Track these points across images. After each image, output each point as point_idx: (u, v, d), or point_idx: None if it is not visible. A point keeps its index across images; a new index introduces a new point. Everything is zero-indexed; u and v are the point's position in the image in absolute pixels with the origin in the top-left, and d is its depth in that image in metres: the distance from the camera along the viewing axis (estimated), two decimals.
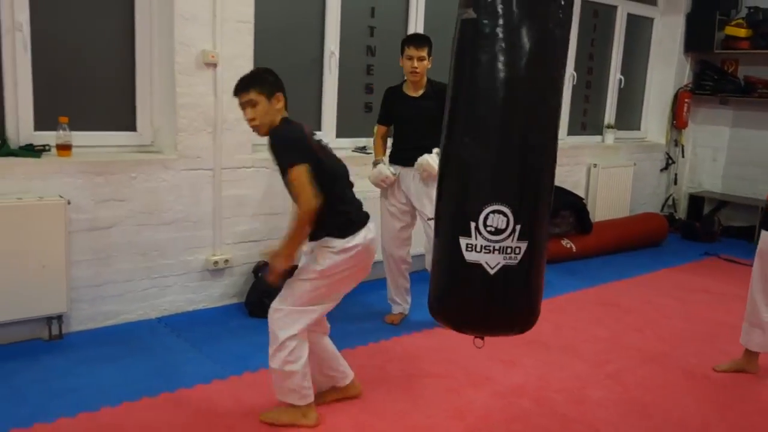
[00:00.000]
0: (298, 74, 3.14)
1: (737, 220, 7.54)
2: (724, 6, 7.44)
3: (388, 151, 4.37)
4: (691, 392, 3.63)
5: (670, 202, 8.05)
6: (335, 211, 2.98)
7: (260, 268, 4.53)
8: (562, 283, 5.31)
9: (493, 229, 2.26)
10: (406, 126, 4.27)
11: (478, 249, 2.29)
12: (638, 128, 7.98)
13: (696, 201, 7.98)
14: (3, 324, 3.63)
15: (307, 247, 3.10)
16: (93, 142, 4.06)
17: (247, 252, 4.56)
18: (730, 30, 7.35)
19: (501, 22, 2.24)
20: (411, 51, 4.07)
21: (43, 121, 3.87)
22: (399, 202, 4.28)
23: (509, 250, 2.26)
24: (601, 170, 6.95)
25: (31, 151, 3.75)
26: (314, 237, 3.02)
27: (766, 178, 7.08)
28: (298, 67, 4.80)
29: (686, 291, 5.46)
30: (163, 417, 3.06)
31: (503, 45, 2.24)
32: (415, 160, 4.16)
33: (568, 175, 6.68)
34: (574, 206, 6.34)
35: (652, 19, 7.67)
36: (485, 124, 2.32)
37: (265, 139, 3.02)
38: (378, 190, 4.33)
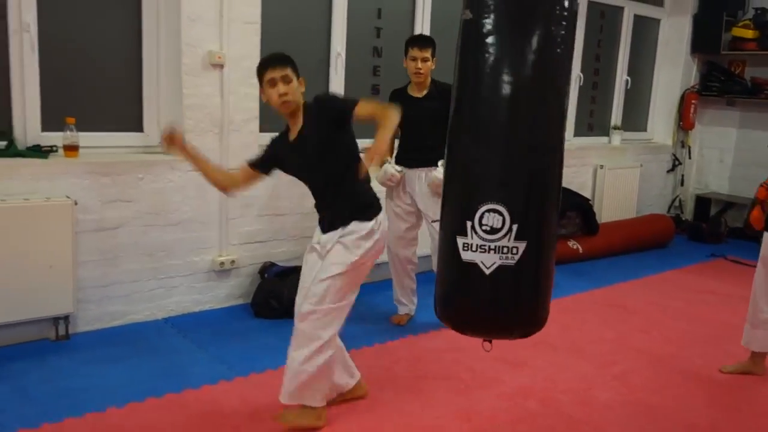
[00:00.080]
0: (305, 75, 3.14)
1: (743, 221, 7.51)
2: (731, 7, 7.43)
3: (394, 153, 4.37)
4: (698, 394, 3.62)
5: (676, 203, 8.03)
6: (360, 191, 3.03)
7: (266, 269, 4.53)
8: (569, 285, 5.30)
9: (488, 228, 2.24)
10: (410, 127, 4.26)
11: (474, 248, 2.28)
12: (645, 129, 7.96)
13: (703, 202, 7.96)
14: (10, 324, 3.64)
15: (326, 238, 3.04)
16: (100, 143, 4.07)
17: (253, 253, 4.57)
18: (737, 31, 7.33)
19: (503, 22, 2.24)
20: (415, 52, 4.07)
21: (50, 122, 3.88)
22: (404, 203, 4.28)
23: (506, 250, 2.24)
24: (608, 171, 6.94)
25: (38, 151, 3.76)
26: (341, 222, 2.99)
27: None
28: (305, 67, 4.71)
29: (693, 292, 5.45)
30: (169, 417, 3.06)
31: (505, 45, 2.24)
32: (420, 161, 4.16)
33: (574, 176, 6.67)
34: (581, 207, 6.33)
35: (658, 20, 7.66)
36: (485, 124, 2.32)
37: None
38: (384, 191, 4.33)
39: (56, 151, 3.84)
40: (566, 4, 2.24)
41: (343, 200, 3.00)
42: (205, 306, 4.43)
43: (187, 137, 4.12)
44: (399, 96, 4.28)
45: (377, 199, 3.11)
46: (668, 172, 7.91)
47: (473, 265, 2.29)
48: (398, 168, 4.19)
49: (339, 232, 2.99)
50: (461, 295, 2.38)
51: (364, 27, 5.14)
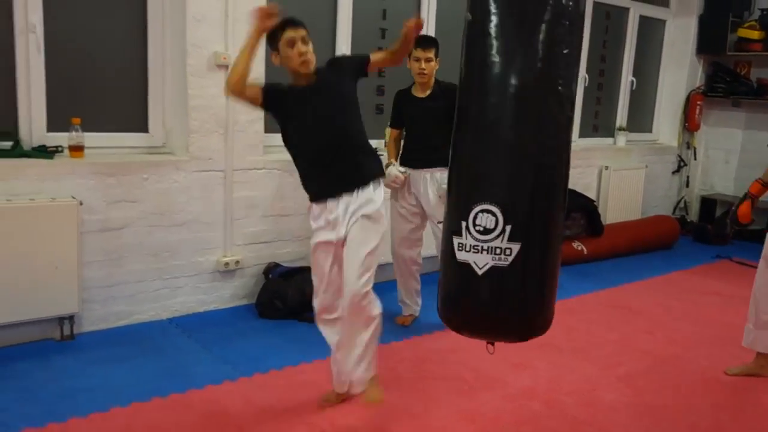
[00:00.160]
0: None
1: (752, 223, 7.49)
2: (737, 8, 7.41)
3: (398, 154, 4.38)
4: (703, 395, 3.61)
5: (681, 204, 8.01)
6: (368, 143, 3.17)
7: (270, 270, 4.53)
8: (573, 286, 5.29)
9: (481, 229, 2.24)
10: (414, 127, 4.27)
11: (468, 248, 2.28)
12: (650, 130, 7.95)
13: (708, 203, 7.93)
14: (15, 324, 3.64)
15: (345, 209, 3.02)
16: (105, 144, 4.08)
17: (257, 253, 4.57)
18: (743, 32, 7.31)
19: (507, 22, 2.24)
20: (418, 53, 4.08)
21: (55, 123, 3.89)
22: (409, 204, 4.27)
23: (498, 251, 2.22)
24: (613, 172, 6.93)
25: (43, 152, 3.77)
26: (360, 179, 3.05)
27: None
28: None
29: (698, 294, 5.44)
30: (173, 418, 3.07)
31: (510, 45, 2.24)
32: (425, 161, 4.16)
33: (579, 177, 6.66)
34: (586, 208, 6.32)
35: (664, 21, 7.65)
36: (488, 124, 2.32)
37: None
38: (388, 192, 4.33)
39: (62, 151, 3.85)
40: (571, 3, 2.24)
41: (359, 154, 3.04)
42: (210, 306, 4.44)
43: (192, 138, 4.16)
44: (403, 97, 4.29)
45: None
46: (673, 173, 7.90)
47: (467, 266, 2.29)
48: (402, 169, 4.19)
49: (357, 197, 2.99)
50: (456, 295, 2.38)
51: (369, 28, 5.14)
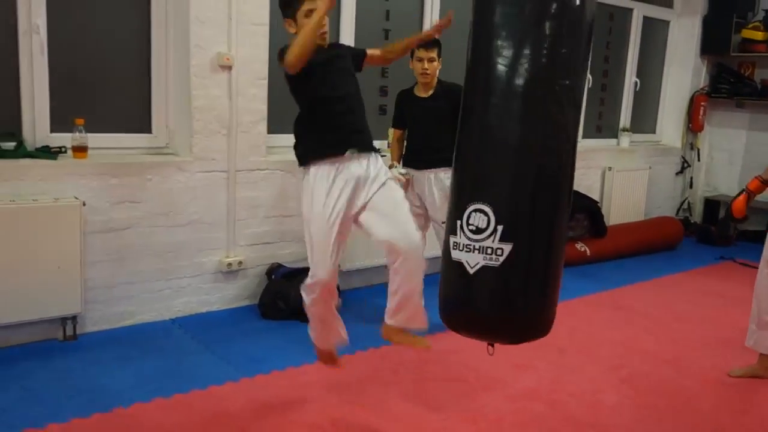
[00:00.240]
0: None
1: (753, 224, 7.45)
2: (741, 9, 7.39)
3: (401, 156, 4.38)
4: (706, 397, 3.60)
5: (685, 205, 8.00)
6: None
7: (273, 270, 4.54)
8: (576, 287, 5.29)
9: (474, 228, 2.24)
10: (417, 127, 4.27)
11: (461, 247, 2.28)
12: (654, 131, 7.94)
13: (711, 205, 7.92)
14: (18, 324, 3.65)
15: (375, 168, 3.13)
16: (108, 144, 4.09)
17: (260, 254, 4.57)
18: (747, 33, 7.30)
19: (512, 22, 2.24)
20: (421, 53, 4.08)
21: (59, 123, 3.90)
22: (413, 205, 4.25)
23: (489, 251, 2.22)
24: (616, 173, 6.92)
25: (47, 152, 3.78)
26: (372, 146, 3.17)
27: None
28: None
29: (701, 295, 5.43)
30: (175, 418, 3.07)
31: (515, 44, 2.24)
32: (428, 161, 4.16)
33: (582, 178, 6.65)
34: (589, 209, 6.32)
35: (668, 22, 7.64)
36: (483, 123, 2.32)
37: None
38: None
39: (65, 152, 3.85)
40: (572, 4, 2.23)
41: (365, 124, 3.16)
42: (213, 307, 4.44)
43: (195, 139, 4.16)
44: (406, 97, 4.29)
45: None
46: (677, 174, 7.88)
47: (460, 264, 2.29)
48: (403, 171, 4.19)
49: (375, 161, 3.13)
50: (450, 294, 2.39)
51: (373, 29, 5.14)
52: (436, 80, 4.18)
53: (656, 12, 7.45)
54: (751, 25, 7.30)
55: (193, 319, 4.28)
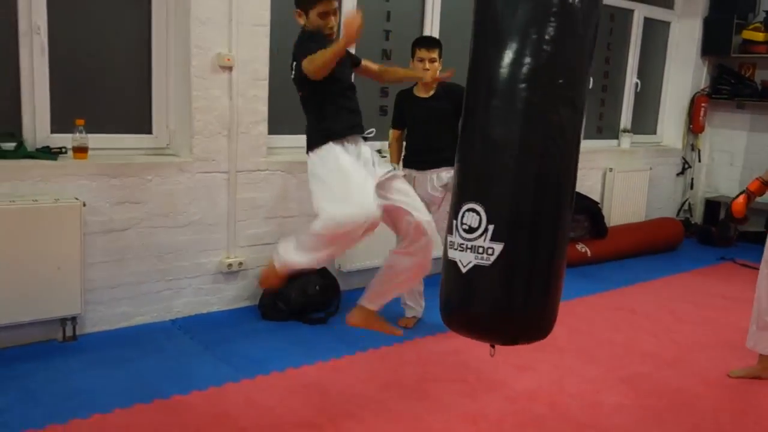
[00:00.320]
0: None
1: (753, 225, 7.44)
2: (742, 10, 7.39)
3: (401, 157, 4.37)
4: (706, 398, 3.60)
5: (686, 206, 7.99)
6: None
7: None
8: (577, 287, 5.28)
9: (467, 227, 2.26)
10: (418, 128, 4.27)
11: (455, 246, 2.31)
12: (654, 132, 7.93)
13: (712, 206, 7.92)
14: (17, 325, 3.65)
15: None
16: (109, 145, 4.09)
17: (260, 255, 4.56)
18: (748, 34, 7.29)
19: (514, 22, 2.24)
20: (422, 53, 4.08)
21: (59, 124, 3.90)
22: None
23: (481, 250, 2.23)
24: (617, 174, 6.92)
25: (47, 153, 3.78)
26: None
27: None
28: None
29: (702, 296, 5.42)
30: (175, 419, 3.07)
31: (517, 44, 2.24)
32: (429, 162, 4.16)
33: (583, 179, 6.64)
34: (589, 210, 6.31)
35: (668, 23, 7.63)
36: (479, 123, 2.34)
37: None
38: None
39: (65, 152, 3.85)
40: (580, 3, 2.24)
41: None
42: (213, 308, 4.44)
43: (195, 139, 4.16)
44: (406, 97, 4.28)
45: None
46: (678, 175, 7.88)
47: (454, 264, 2.32)
48: (401, 173, 4.17)
49: (371, 149, 3.47)
50: (446, 293, 2.42)
51: (374, 30, 5.14)
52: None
53: (657, 13, 7.44)
54: (751, 27, 7.30)
55: (193, 320, 4.28)
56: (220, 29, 4.17)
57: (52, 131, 3.90)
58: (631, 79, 7.37)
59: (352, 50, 4.62)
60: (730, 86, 7.63)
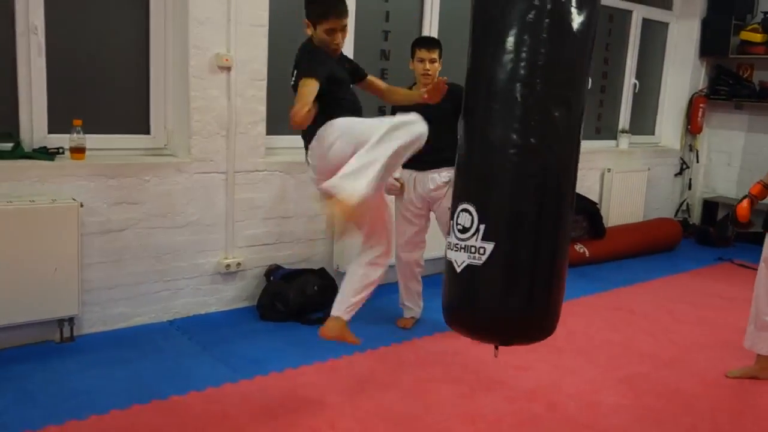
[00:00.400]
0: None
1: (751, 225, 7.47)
2: (740, 11, 7.39)
3: None
4: (703, 398, 3.60)
5: (684, 207, 8.00)
6: None
7: (272, 272, 4.53)
8: (575, 288, 5.28)
9: (461, 228, 2.29)
10: None
11: (451, 246, 2.35)
12: (653, 133, 7.93)
13: (710, 206, 7.93)
14: (14, 326, 3.64)
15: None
16: (107, 145, 4.08)
17: (259, 255, 4.56)
18: (746, 35, 7.30)
19: (515, 21, 2.24)
20: (422, 53, 4.07)
21: (56, 124, 3.89)
22: (415, 206, 4.26)
23: (473, 250, 2.25)
24: (615, 175, 6.92)
25: (44, 153, 3.77)
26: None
27: None
28: None
29: (700, 296, 5.42)
30: (173, 420, 3.06)
31: (516, 44, 2.25)
32: (430, 162, 4.15)
33: (581, 179, 6.56)
34: (588, 211, 6.31)
35: (667, 24, 7.63)
36: (475, 123, 2.37)
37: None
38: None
39: (63, 153, 3.85)
40: (577, 6, 2.24)
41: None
42: (211, 308, 4.43)
43: (194, 140, 4.16)
44: None
45: None
46: (676, 175, 7.88)
47: (450, 263, 2.36)
48: (397, 175, 4.17)
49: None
50: (444, 292, 2.46)
51: (372, 30, 5.14)
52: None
53: (655, 14, 7.45)
54: (749, 27, 7.30)
55: (192, 321, 4.27)
56: (219, 29, 4.17)
57: (50, 131, 3.89)
58: (630, 80, 7.37)
59: (351, 54, 4.64)
60: (728, 87, 7.64)
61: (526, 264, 2.27)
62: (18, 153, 3.69)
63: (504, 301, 2.29)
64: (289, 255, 4.69)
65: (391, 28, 5.23)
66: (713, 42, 7.46)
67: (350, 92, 3.37)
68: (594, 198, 6.73)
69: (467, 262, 2.26)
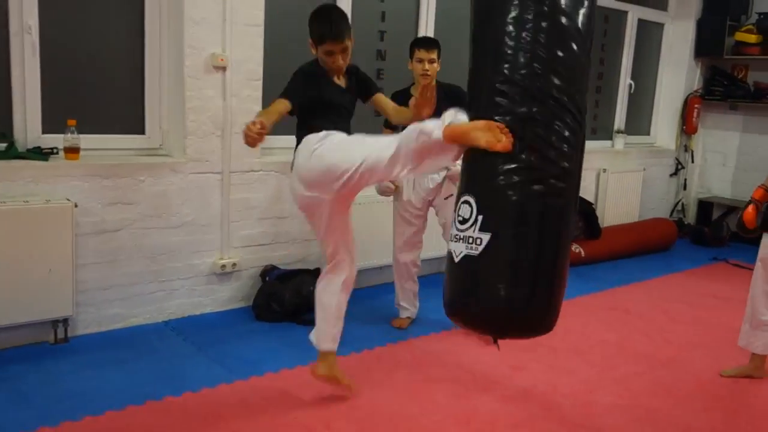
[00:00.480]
0: None
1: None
2: (735, 12, 7.42)
3: None
4: (699, 397, 3.60)
5: (679, 207, 8.01)
6: None
7: (267, 272, 4.52)
8: (571, 287, 5.20)
9: (461, 219, 2.32)
10: None
11: (452, 237, 2.37)
12: (648, 133, 7.95)
13: (705, 206, 7.95)
14: (9, 327, 3.62)
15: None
16: (101, 145, 4.07)
17: (254, 255, 4.56)
18: (741, 36, 7.32)
19: (515, 21, 2.25)
20: (422, 54, 4.07)
21: (51, 124, 3.88)
22: (414, 207, 4.25)
23: (471, 240, 2.28)
24: (611, 175, 6.93)
25: (38, 153, 3.76)
26: None
27: None
28: None
29: (695, 296, 5.43)
30: (167, 421, 3.05)
31: (494, 46, 2.29)
32: None
33: None
34: (583, 211, 6.31)
35: (662, 25, 7.65)
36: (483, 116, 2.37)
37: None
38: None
39: (57, 153, 3.83)
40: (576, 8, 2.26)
41: None
42: (206, 309, 4.42)
43: (189, 140, 4.15)
44: (403, 97, 4.25)
45: None
46: (671, 176, 7.90)
47: (450, 254, 2.39)
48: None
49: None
50: (444, 283, 2.48)
51: (369, 30, 5.13)
52: (434, 81, 4.17)
53: (651, 15, 7.46)
54: (744, 28, 7.32)
55: (187, 322, 4.26)
56: (214, 29, 4.16)
57: (44, 132, 3.88)
58: (625, 81, 7.38)
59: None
60: (723, 87, 7.66)
61: (523, 256, 2.28)
62: (12, 153, 3.67)
63: (500, 293, 2.29)
64: (285, 255, 4.69)
65: (387, 28, 5.22)
66: (708, 43, 7.47)
67: (340, 117, 3.22)
68: (590, 198, 6.74)
69: (464, 252, 2.27)
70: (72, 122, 3.80)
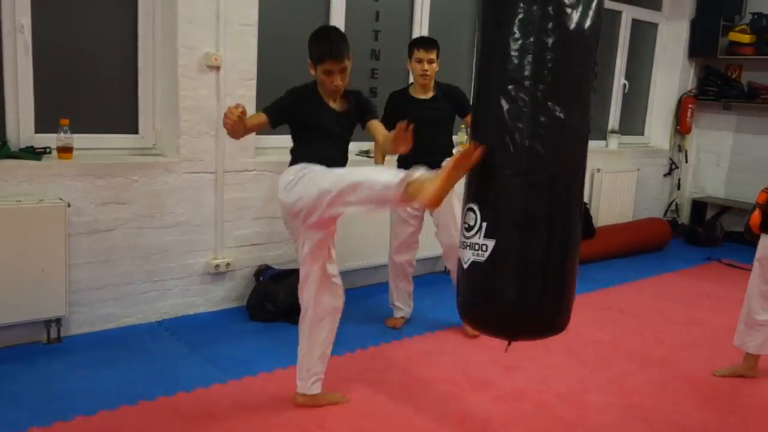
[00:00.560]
0: (302, 78, 3.20)
1: (740, 225, 7.43)
2: (729, 12, 7.44)
3: (394, 157, 4.35)
4: (691, 397, 3.61)
5: (673, 207, 8.03)
6: None
7: (261, 272, 4.52)
8: None
9: (467, 226, 2.36)
10: (417, 129, 4.24)
11: (461, 244, 2.42)
12: (642, 133, 7.96)
13: (699, 206, 7.97)
14: (1, 327, 3.61)
15: None
16: (94, 145, 4.06)
17: (248, 255, 4.55)
18: (734, 36, 7.34)
19: (517, 21, 2.26)
20: (421, 54, 4.06)
21: (44, 124, 3.87)
22: (412, 207, 4.25)
23: (477, 247, 2.32)
24: (605, 175, 6.94)
25: (31, 153, 3.75)
26: None
27: None
28: (302, 70, 4.76)
29: (688, 295, 5.44)
30: (160, 421, 3.05)
31: (493, 47, 2.30)
32: (428, 164, 4.13)
33: None
34: None
35: (656, 25, 7.66)
36: (478, 124, 2.44)
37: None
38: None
39: (50, 152, 3.82)
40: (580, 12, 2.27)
41: None
42: (200, 309, 4.41)
43: (182, 139, 4.14)
44: (401, 98, 4.24)
45: None
46: (665, 176, 7.91)
47: (459, 261, 2.45)
48: None
49: None
50: (457, 288, 2.55)
51: (363, 30, 5.13)
52: (433, 81, 4.16)
53: (645, 15, 7.47)
54: (738, 28, 7.34)
55: (180, 321, 4.25)
56: (208, 28, 4.15)
57: (37, 131, 3.86)
58: (619, 81, 7.39)
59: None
60: (716, 87, 7.68)
61: (529, 261, 2.31)
62: (4, 152, 3.66)
63: (509, 295, 2.34)
64: (279, 255, 4.68)
65: (382, 27, 5.22)
66: (702, 43, 7.49)
67: (330, 141, 3.19)
68: (584, 198, 6.74)
69: (472, 258, 2.33)
70: (65, 122, 3.79)
